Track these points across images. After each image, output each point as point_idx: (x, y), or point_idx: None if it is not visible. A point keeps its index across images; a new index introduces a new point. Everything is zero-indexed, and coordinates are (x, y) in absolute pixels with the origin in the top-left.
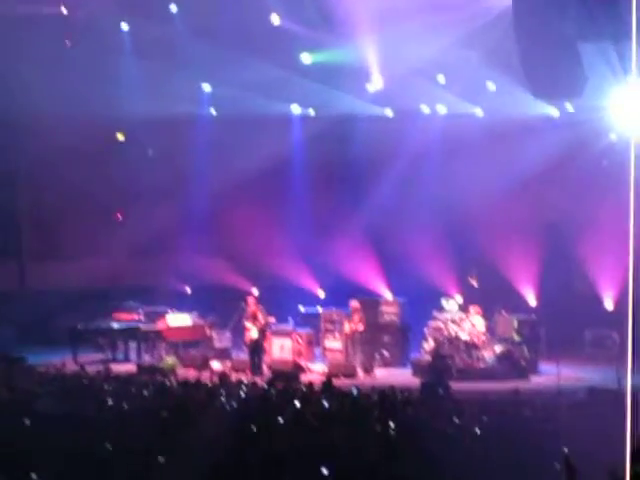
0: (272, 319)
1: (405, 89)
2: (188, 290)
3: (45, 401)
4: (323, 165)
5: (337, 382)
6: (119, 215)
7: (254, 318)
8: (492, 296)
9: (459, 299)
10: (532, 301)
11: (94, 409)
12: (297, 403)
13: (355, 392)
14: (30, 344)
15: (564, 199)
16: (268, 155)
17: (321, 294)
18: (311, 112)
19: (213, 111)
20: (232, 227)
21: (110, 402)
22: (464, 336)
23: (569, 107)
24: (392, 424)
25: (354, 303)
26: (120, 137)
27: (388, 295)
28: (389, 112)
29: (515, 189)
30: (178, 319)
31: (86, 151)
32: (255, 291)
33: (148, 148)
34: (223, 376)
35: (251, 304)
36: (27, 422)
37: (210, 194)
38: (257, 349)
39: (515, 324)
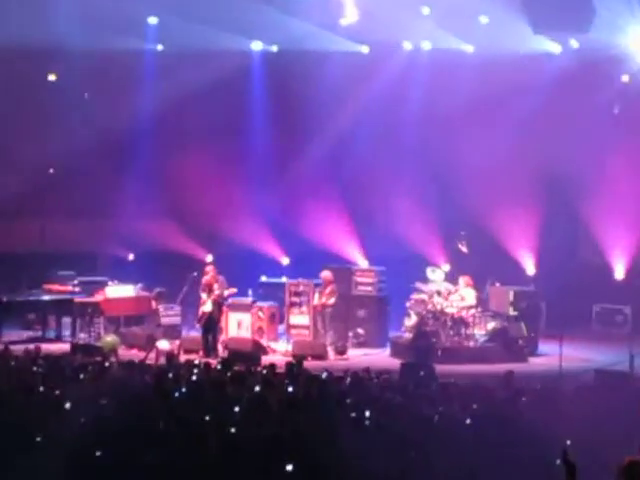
0: (233, 290)
1: (384, 22)
2: (131, 257)
3: None
4: (287, 109)
5: (304, 364)
6: (50, 168)
7: (209, 289)
8: (485, 264)
9: (446, 268)
10: (531, 269)
11: (22, 395)
12: (257, 388)
13: (325, 376)
14: None
15: (568, 151)
16: (224, 98)
17: (285, 261)
18: (273, 48)
19: (160, 47)
20: (182, 182)
21: (41, 388)
22: (452, 310)
23: (573, 43)
24: (367, 412)
25: (324, 272)
26: (51, 77)
27: (363, 263)
28: (365, 48)
29: (512, 139)
30: (119, 290)
31: (11, 89)
32: (209, 258)
33: (84, 90)
34: (171, 357)
35: (206, 273)
36: None
37: (157, 143)
38: (211, 326)
39: (511, 296)
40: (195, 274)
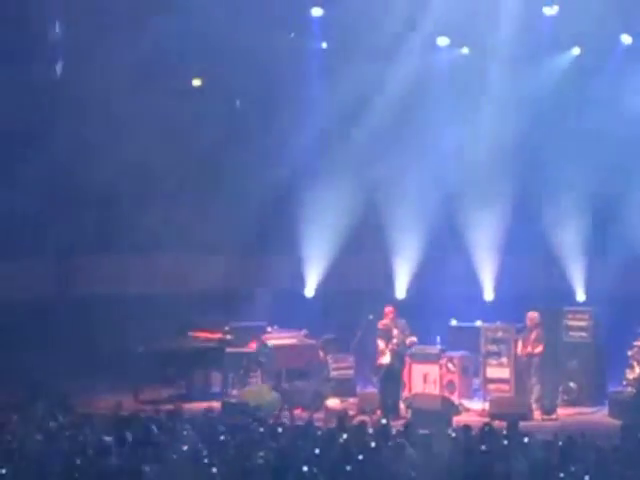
0: (413, 339)
1: None
2: (310, 292)
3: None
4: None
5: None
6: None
7: (388, 336)
8: None
9: None
10: None
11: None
12: (447, 456)
13: (528, 440)
14: (73, 374)
15: None
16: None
17: (487, 297)
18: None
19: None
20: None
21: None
22: None
23: None
24: None
25: (530, 313)
26: (196, 82)
27: (581, 297)
28: None
29: None
30: (280, 338)
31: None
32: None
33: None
34: (343, 418)
35: (385, 315)
36: None
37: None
38: (390, 380)
39: None
40: (371, 317)
